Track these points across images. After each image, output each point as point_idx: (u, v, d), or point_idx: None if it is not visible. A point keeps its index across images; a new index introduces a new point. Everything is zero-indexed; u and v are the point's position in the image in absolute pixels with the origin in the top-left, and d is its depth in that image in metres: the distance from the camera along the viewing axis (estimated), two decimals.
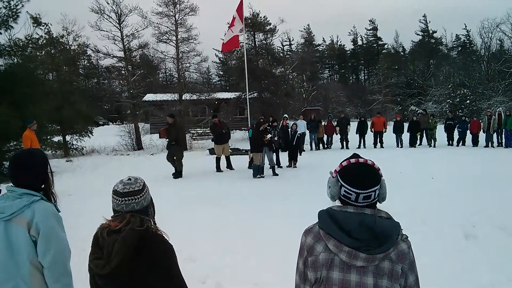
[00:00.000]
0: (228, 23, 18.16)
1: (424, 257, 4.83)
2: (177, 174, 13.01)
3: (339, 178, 1.74)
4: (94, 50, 26.28)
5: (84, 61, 36.55)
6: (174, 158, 13.05)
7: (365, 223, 1.62)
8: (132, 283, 1.91)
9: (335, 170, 1.77)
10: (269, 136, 12.89)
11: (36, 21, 22.86)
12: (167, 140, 13.37)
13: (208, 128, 28.74)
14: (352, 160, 1.74)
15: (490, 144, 19.24)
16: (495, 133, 19.29)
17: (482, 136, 19.65)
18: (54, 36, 24.43)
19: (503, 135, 19.06)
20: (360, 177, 1.69)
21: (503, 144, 18.95)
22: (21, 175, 2.41)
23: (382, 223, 1.65)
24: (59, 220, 2.42)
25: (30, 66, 18.54)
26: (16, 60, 17.81)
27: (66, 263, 2.39)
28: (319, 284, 1.70)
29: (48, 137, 20.17)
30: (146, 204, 2.07)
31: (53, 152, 21.12)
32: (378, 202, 1.74)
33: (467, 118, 21.22)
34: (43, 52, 23.87)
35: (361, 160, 1.74)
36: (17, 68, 15.80)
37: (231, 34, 19.04)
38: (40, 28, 23.38)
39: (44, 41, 23.75)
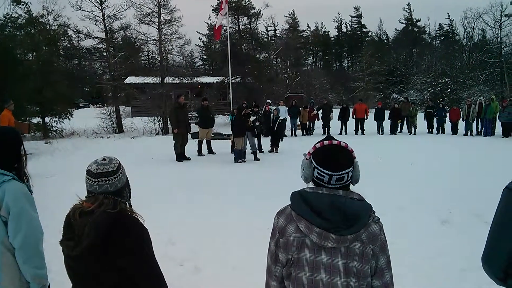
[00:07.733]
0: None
1: (400, 241, 4.92)
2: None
3: (312, 160, 1.72)
4: (75, 30, 25.79)
5: (64, 42, 35.84)
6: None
7: (336, 204, 1.61)
8: (102, 266, 1.87)
9: (309, 152, 1.76)
10: (252, 118, 12.86)
11: (16, 0, 22.34)
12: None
13: (191, 112, 28.55)
14: (326, 142, 1.73)
15: (469, 133, 19.53)
16: (474, 121, 19.57)
17: (461, 124, 19.93)
18: (34, 16, 23.88)
19: (483, 124, 19.33)
20: (333, 159, 1.68)
21: (482, 133, 19.24)
22: None
23: (353, 204, 1.64)
24: (30, 200, 2.35)
25: (9, 45, 18.15)
26: None
27: (37, 244, 2.31)
28: (290, 265, 1.70)
29: (27, 118, 19.71)
30: (120, 186, 2.00)
31: (32, 134, 20.75)
32: (351, 184, 1.74)
33: (446, 106, 21.45)
34: (22, 32, 23.34)
35: (334, 142, 1.72)
36: None
37: (221, 20, 18.92)
38: (20, 7, 22.92)
39: (24, 21, 23.23)
